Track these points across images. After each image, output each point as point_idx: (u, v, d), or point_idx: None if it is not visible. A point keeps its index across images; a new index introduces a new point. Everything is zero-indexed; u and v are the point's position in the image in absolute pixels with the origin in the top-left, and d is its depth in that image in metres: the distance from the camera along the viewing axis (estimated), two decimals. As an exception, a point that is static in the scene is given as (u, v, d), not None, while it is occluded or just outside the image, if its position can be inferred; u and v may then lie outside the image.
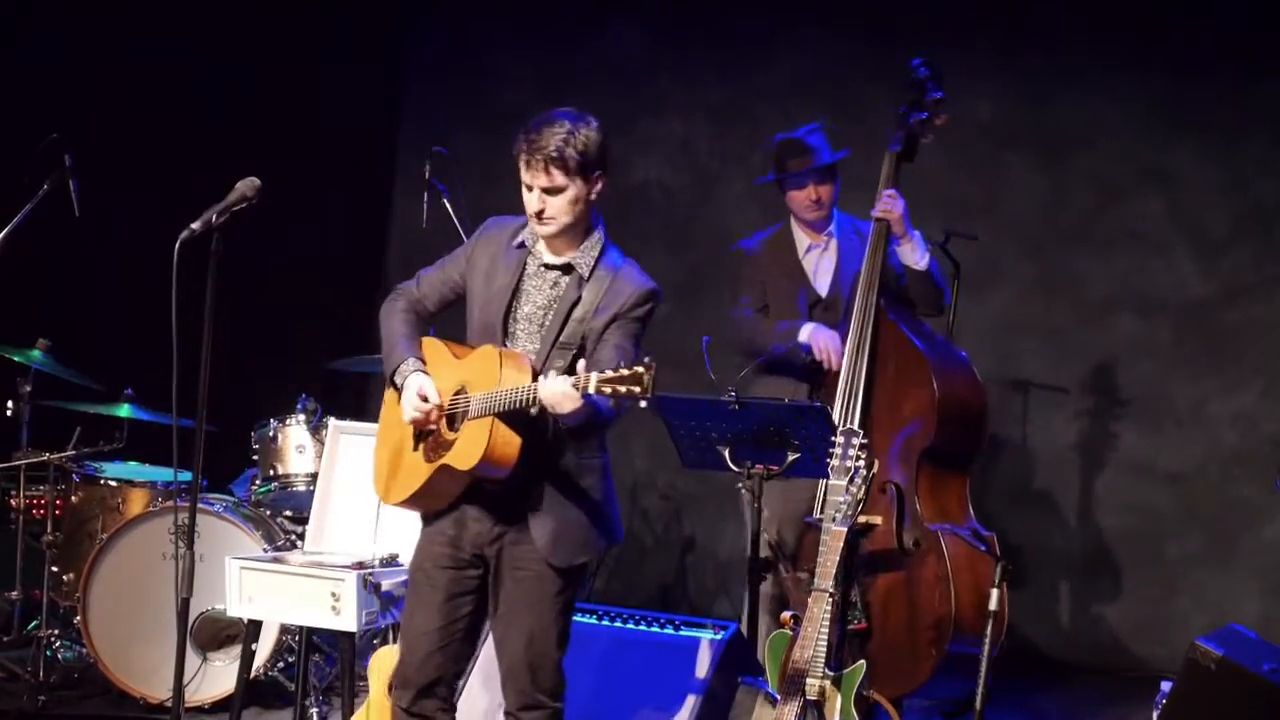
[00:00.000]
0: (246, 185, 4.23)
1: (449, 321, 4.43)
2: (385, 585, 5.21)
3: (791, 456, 5.24)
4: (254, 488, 6.41)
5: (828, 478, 4.92)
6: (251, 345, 7.54)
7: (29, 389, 6.36)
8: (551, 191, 4.04)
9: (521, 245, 4.20)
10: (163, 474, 6.48)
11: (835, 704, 4.72)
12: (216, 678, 5.97)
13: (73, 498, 6.43)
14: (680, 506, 8.06)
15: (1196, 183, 7.36)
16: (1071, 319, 7.54)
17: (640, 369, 3.75)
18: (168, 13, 7.68)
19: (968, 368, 5.69)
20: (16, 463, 6.37)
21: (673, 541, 8.10)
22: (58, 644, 6.35)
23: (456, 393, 4.12)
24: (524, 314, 4.17)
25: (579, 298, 4.11)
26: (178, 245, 4.02)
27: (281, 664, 6.11)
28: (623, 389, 3.74)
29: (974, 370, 5.71)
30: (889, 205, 5.68)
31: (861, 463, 4.86)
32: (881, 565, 5.38)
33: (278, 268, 7.92)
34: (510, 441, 3.98)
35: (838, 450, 4.92)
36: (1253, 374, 7.28)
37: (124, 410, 6.38)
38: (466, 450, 4.01)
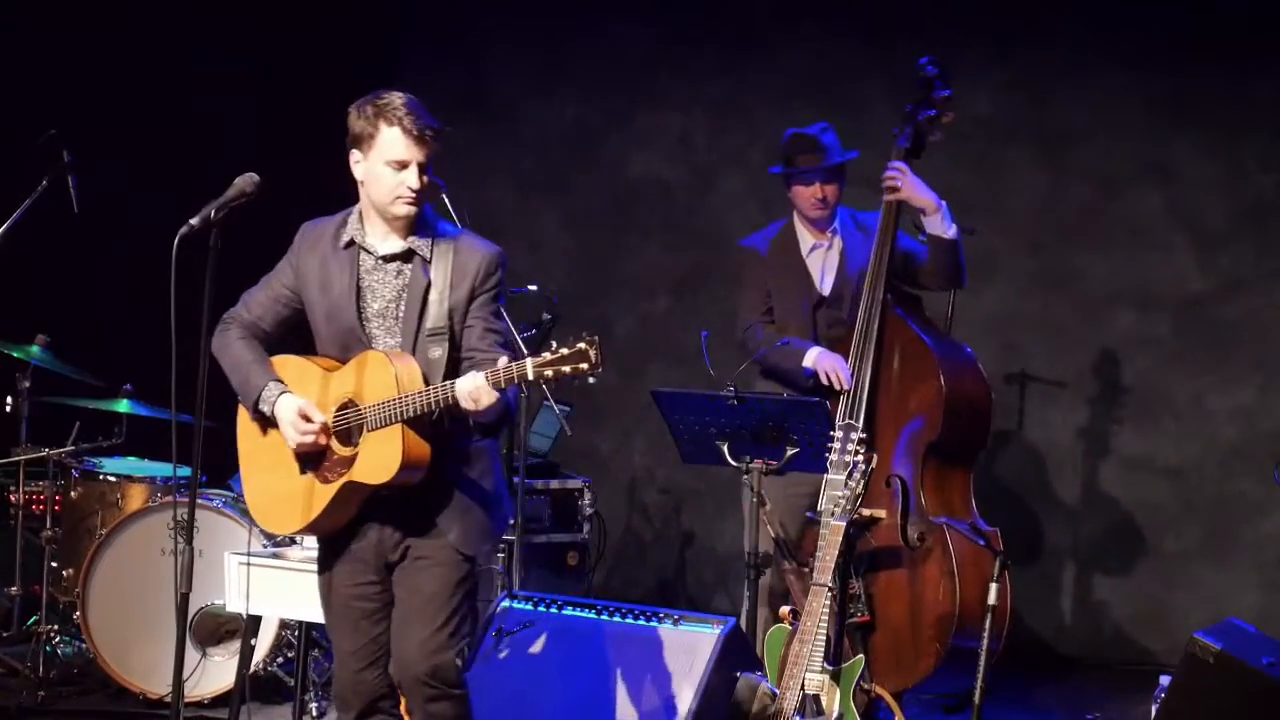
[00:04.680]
0: (245, 181, 4.22)
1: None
2: (384, 580, 5.20)
3: (790, 451, 5.24)
4: (253, 483, 6.40)
5: (826, 472, 4.94)
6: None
7: (28, 385, 6.35)
8: (426, 167, 4.01)
9: (350, 244, 4.11)
10: (162, 469, 6.48)
11: (834, 698, 4.72)
12: (216, 673, 5.97)
13: (72, 493, 6.42)
14: (679, 501, 8.06)
15: (1196, 177, 7.35)
16: (1070, 314, 7.54)
17: (583, 345, 3.68)
18: (166, 7, 7.67)
19: (974, 363, 5.67)
20: (16, 459, 6.36)
21: (672, 536, 8.11)
22: (57, 639, 6.36)
23: (343, 407, 4.02)
24: (375, 311, 4.07)
25: (429, 280, 4.01)
26: (176, 241, 4.01)
27: (281, 659, 6.10)
28: (567, 369, 3.67)
29: (979, 366, 5.70)
30: (894, 178, 5.60)
31: (860, 457, 4.86)
32: (886, 559, 5.38)
33: (275, 262, 7.88)
34: (421, 444, 3.93)
35: (836, 444, 4.92)
36: (1251, 368, 7.28)
37: (123, 406, 6.38)
38: (378, 462, 3.93)
